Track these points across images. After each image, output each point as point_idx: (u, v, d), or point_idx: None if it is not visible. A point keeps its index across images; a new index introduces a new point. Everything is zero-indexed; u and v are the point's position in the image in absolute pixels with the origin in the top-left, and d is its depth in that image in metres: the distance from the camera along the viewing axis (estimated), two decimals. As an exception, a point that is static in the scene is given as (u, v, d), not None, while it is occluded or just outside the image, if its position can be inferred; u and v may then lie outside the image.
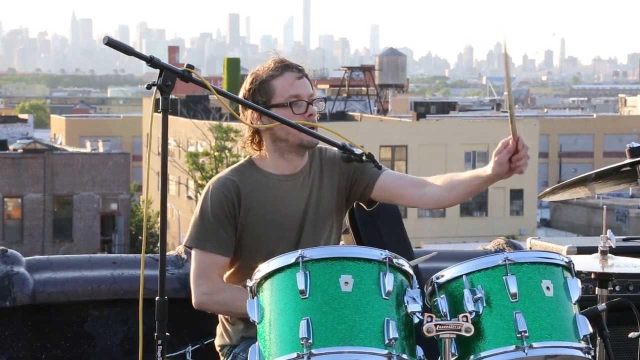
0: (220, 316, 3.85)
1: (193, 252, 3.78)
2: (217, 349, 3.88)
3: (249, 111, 3.77)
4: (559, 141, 69.60)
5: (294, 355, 3.03)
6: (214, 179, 3.83)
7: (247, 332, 3.72)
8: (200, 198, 3.80)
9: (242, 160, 3.93)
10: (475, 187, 3.73)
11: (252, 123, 3.77)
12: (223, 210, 3.73)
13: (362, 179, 3.89)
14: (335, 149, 3.70)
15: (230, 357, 3.77)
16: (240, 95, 3.80)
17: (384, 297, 3.10)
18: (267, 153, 3.82)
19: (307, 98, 3.78)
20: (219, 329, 3.87)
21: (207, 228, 3.73)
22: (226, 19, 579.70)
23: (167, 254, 4.77)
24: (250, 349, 3.15)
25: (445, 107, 72.94)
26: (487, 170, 3.64)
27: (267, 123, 3.73)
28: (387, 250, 3.18)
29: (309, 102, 3.77)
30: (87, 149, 52.55)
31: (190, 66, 3.43)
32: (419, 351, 3.16)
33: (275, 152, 3.81)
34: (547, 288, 3.22)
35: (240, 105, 3.78)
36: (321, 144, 3.84)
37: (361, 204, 3.99)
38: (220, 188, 3.76)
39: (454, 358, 3.17)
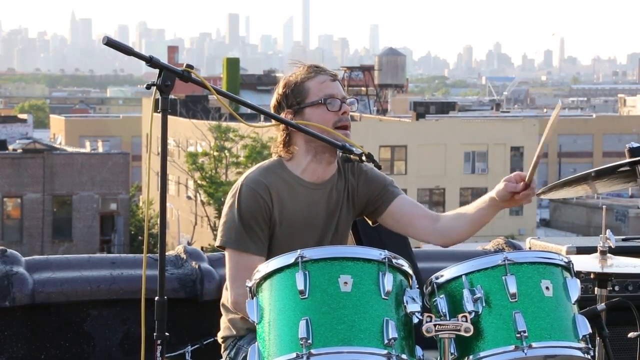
0: (226, 308, 3.83)
1: (228, 253, 3.74)
2: (220, 341, 3.86)
3: (283, 114, 3.81)
4: (559, 141, 69.62)
5: (293, 355, 3.03)
6: (245, 177, 3.79)
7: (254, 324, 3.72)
8: (232, 197, 3.75)
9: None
10: (480, 217, 3.81)
11: (286, 126, 3.79)
12: (260, 209, 3.71)
13: (376, 200, 3.91)
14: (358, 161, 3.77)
15: (234, 350, 3.75)
16: (273, 101, 3.87)
17: (383, 297, 3.10)
18: (300, 155, 3.81)
19: (341, 98, 3.82)
20: (224, 321, 3.85)
21: (245, 229, 3.70)
22: (226, 19, 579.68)
23: (167, 254, 4.77)
24: (249, 349, 3.16)
25: (445, 107, 73.01)
26: (490, 195, 3.75)
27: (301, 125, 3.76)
28: (386, 251, 3.18)
29: (342, 100, 3.81)
30: (87, 149, 52.58)
31: (189, 66, 3.44)
32: (419, 351, 3.16)
33: (308, 153, 3.81)
34: (547, 288, 3.22)
35: (273, 108, 3.85)
36: None
37: (366, 219, 4.02)
38: (254, 187, 3.73)
39: (453, 358, 3.17)
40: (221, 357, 3.97)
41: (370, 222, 4.02)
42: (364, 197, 3.91)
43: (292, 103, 3.80)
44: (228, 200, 3.78)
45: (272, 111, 3.87)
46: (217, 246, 3.81)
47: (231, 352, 3.77)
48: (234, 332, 3.79)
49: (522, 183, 3.67)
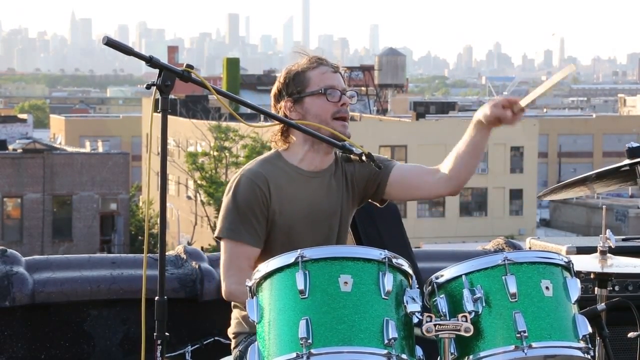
0: (238, 304, 3.83)
1: (223, 243, 3.77)
2: (231, 336, 3.86)
3: (281, 104, 3.84)
4: (559, 141, 69.63)
5: (293, 355, 3.03)
6: (244, 170, 3.83)
7: None
8: (229, 189, 3.79)
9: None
10: (475, 147, 3.78)
11: (285, 116, 3.82)
12: (257, 200, 3.74)
13: (375, 178, 3.91)
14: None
15: (246, 344, 3.74)
16: (274, 90, 3.90)
17: (383, 297, 3.10)
18: (297, 145, 3.84)
19: (341, 90, 3.85)
20: (235, 317, 3.85)
21: (240, 219, 3.73)
22: (225, 19, 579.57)
23: (167, 254, 4.77)
24: (249, 348, 3.16)
25: (445, 107, 72.97)
26: (477, 118, 3.74)
27: (299, 115, 3.79)
28: (386, 250, 3.18)
29: (343, 92, 3.84)
30: (87, 149, 52.58)
31: (189, 66, 3.44)
32: (419, 351, 3.17)
33: (306, 143, 3.83)
34: (547, 288, 3.22)
35: (272, 101, 3.88)
36: None
37: (374, 202, 4.01)
38: (252, 178, 3.76)
39: (453, 358, 3.17)
40: (221, 357, 3.97)
41: (378, 204, 4.00)
42: (363, 179, 3.92)
43: (292, 91, 3.83)
44: (226, 192, 3.81)
45: (272, 99, 3.91)
46: (215, 237, 3.84)
47: (242, 347, 3.77)
48: (247, 329, 3.79)
49: (509, 111, 3.66)
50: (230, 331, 3.88)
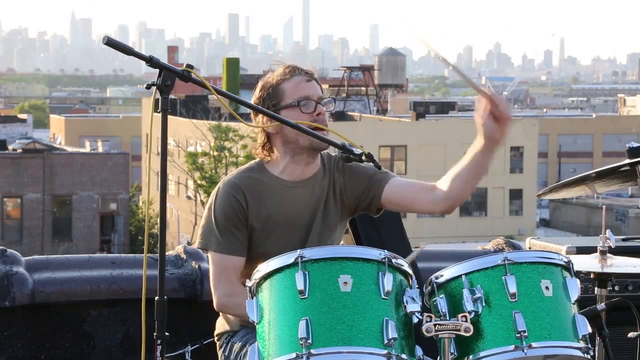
0: None
1: (210, 255, 3.79)
2: (215, 339, 3.88)
3: (259, 117, 3.82)
4: (559, 141, 69.63)
5: (293, 355, 3.03)
6: (223, 180, 3.84)
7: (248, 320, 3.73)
8: (210, 200, 3.81)
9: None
10: (475, 167, 3.62)
11: (263, 129, 3.80)
12: (235, 211, 3.75)
13: (367, 195, 3.87)
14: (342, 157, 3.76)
15: (228, 346, 3.77)
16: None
17: (383, 297, 3.10)
18: (279, 157, 3.83)
19: (316, 99, 3.81)
20: (219, 319, 3.87)
21: (221, 230, 3.74)
22: (225, 19, 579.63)
23: (167, 254, 4.77)
24: (250, 348, 3.16)
25: (445, 107, 73.00)
26: (478, 141, 3.57)
27: (277, 128, 3.77)
28: (386, 250, 3.18)
29: (317, 101, 3.81)
30: (87, 149, 52.57)
31: (189, 66, 3.44)
32: (418, 351, 3.17)
33: (286, 155, 3.82)
34: (546, 288, 3.22)
35: (251, 112, 3.85)
36: (331, 151, 3.87)
37: (369, 213, 3.97)
38: (230, 190, 3.77)
39: (453, 358, 3.17)
40: (220, 357, 3.97)
41: (373, 215, 3.97)
42: (353, 194, 3.89)
43: (268, 106, 3.80)
44: (207, 205, 3.82)
45: (251, 113, 3.87)
46: (199, 248, 3.85)
47: (226, 350, 3.79)
48: (228, 328, 3.81)
49: (487, 102, 3.49)
50: (215, 333, 3.90)
